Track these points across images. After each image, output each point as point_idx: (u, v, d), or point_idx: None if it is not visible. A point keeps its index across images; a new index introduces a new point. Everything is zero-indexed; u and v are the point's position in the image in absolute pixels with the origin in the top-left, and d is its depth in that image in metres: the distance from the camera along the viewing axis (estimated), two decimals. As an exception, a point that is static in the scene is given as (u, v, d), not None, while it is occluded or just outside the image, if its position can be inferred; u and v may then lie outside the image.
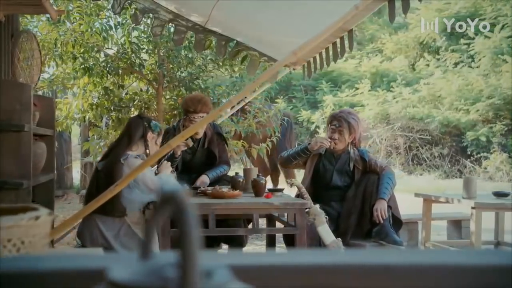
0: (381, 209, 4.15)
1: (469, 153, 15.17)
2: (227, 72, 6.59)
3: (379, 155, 15.26)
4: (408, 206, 6.45)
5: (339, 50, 4.61)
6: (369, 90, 16.63)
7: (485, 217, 5.69)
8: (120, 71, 6.06)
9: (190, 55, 6.20)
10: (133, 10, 5.07)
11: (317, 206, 4.01)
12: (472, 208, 4.48)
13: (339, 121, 4.46)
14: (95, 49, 6.00)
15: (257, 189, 4.13)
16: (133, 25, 5.75)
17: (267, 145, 6.40)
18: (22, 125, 3.72)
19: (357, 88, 16.86)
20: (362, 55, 19.44)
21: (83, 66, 5.87)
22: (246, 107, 6.57)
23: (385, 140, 15.39)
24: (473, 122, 15.41)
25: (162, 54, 6.16)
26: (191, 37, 5.61)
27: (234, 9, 4.67)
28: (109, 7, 5.76)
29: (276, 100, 17.31)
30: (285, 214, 4.38)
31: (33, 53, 5.28)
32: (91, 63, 5.92)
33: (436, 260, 0.85)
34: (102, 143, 6.19)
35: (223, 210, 3.86)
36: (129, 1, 5.08)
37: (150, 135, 3.96)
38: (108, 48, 6.16)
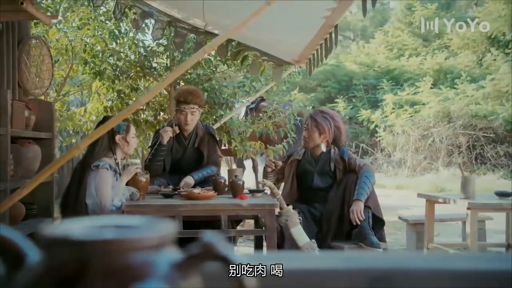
0: (356, 210, 3.97)
1: (537, 151, 14.42)
2: (239, 72, 6.55)
3: (440, 154, 14.73)
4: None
5: (328, 45, 4.56)
6: (431, 88, 16.08)
7: (498, 218, 5.40)
8: (131, 74, 6.15)
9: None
10: (133, 15, 5.12)
11: (290, 207, 3.91)
12: (467, 208, 4.23)
13: (309, 121, 4.39)
14: (109, 53, 6.11)
15: (234, 190, 4.09)
16: (134, 29, 5.82)
17: (283, 146, 6.32)
18: (-4, 129, 3.84)
19: (418, 86, 16.34)
20: (428, 51, 18.85)
21: (93, 70, 6.00)
22: (262, 107, 6.51)
23: (446, 139, 14.81)
24: (541, 119, 14.62)
25: (170, 56, 6.20)
26: (194, 39, 5.61)
27: (232, 10, 4.64)
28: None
29: (335, 100, 17.14)
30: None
31: (43, 59, 5.44)
32: (102, 68, 6.03)
33: (433, 264, 0.85)
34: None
35: (190, 212, 3.80)
36: (129, 6, 5.16)
37: (117, 137, 3.85)
38: (122, 52, 6.26)
